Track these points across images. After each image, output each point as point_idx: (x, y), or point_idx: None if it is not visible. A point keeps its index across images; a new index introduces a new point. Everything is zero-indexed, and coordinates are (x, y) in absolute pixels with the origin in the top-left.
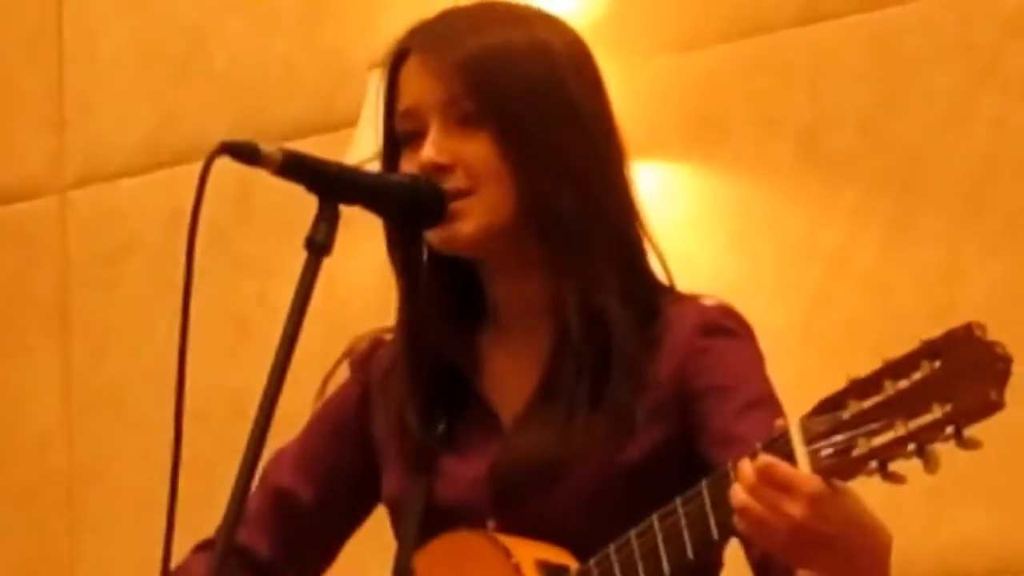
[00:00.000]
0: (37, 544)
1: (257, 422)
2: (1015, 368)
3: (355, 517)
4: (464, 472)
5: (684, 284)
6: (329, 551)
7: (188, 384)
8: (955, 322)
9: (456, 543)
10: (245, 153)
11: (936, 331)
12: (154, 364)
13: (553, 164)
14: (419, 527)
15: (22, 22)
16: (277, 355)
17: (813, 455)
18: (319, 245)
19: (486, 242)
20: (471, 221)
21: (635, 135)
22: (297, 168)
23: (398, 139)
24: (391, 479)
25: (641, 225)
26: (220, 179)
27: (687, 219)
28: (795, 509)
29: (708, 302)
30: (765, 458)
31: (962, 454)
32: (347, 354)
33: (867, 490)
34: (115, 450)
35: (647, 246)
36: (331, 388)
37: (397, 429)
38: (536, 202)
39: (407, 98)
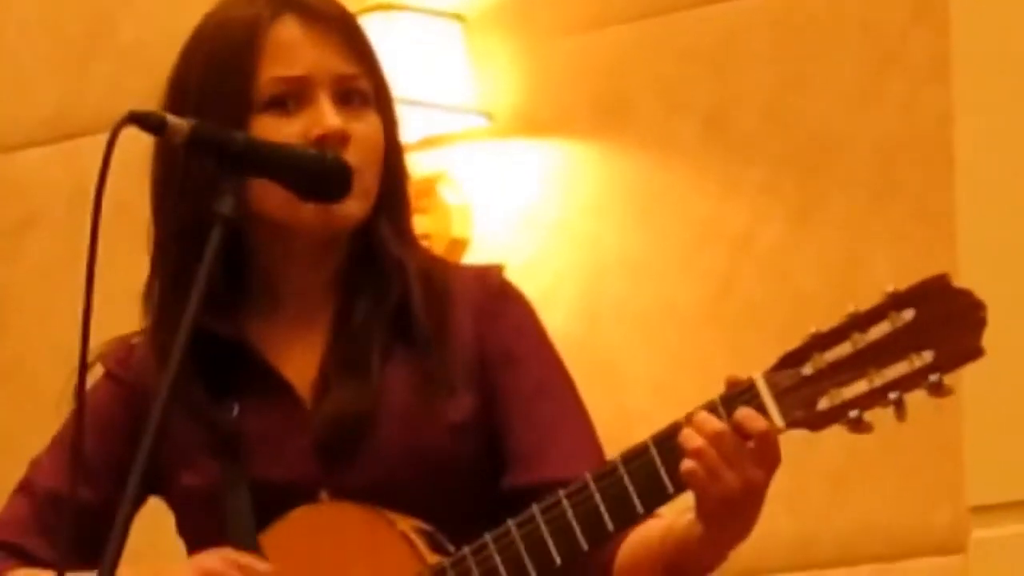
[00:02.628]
0: None
1: (158, 400)
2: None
3: (134, 510)
4: (282, 448)
5: (590, 263)
6: None
7: (90, 358)
8: (857, 305)
9: (316, 517)
10: (152, 124)
11: (837, 314)
12: (57, 338)
13: (398, 144)
14: (249, 510)
15: None
16: (180, 328)
17: (784, 408)
18: (225, 217)
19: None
20: (357, 202)
21: (541, 115)
22: (205, 140)
23: (251, 100)
24: (194, 470)
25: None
26: (127, 151)
27: (593, 199)
28: (759, 471)
29: (485, 265)
30: (746, 410)
31: (865, 439)
32: (99, 357)
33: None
34: (17, 423)
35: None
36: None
37: (190, 419)
38: (388, 184)
39: (297, 66)
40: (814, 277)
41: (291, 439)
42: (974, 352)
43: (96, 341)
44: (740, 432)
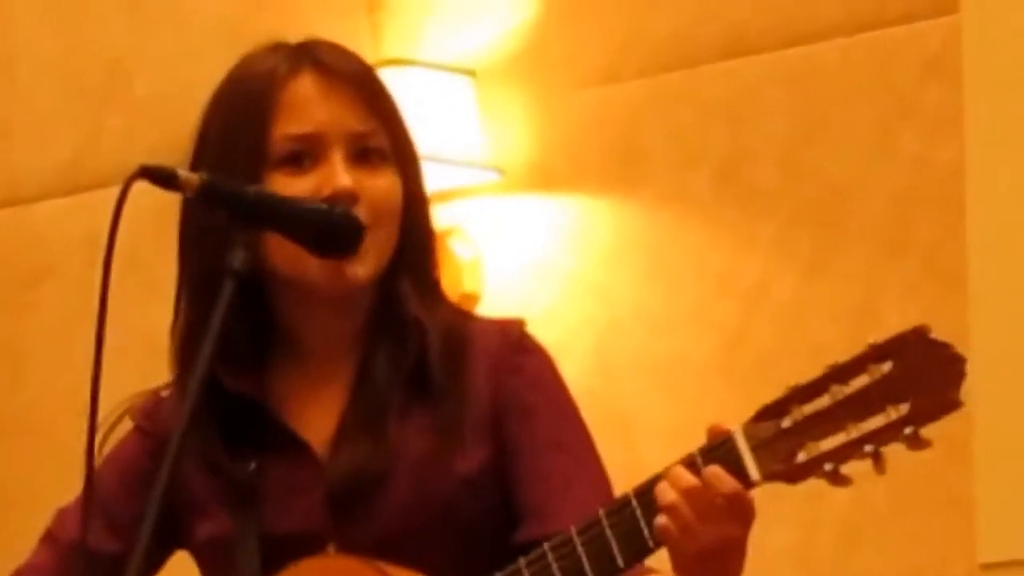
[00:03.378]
0: None
1: (169, 452)
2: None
3: (158, 564)
4: (295, 503)
5: (604, 316)
6: None
7: (102, 409)
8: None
9: (317, 570)
10: (163, 177)
11: None
12: (71, 388)
13: (421, 197)
14: (257, 562)
15: None
16: (192, 381)
17: (761, 461)
18: (235, 270)
19: (369, 284)
20: (367, 263)
21: (552, 170)
22: (215, 193)
23: (265, 156)
24: (210, 522)
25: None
26: (139, 204)
27: (607, 252)
28: (735, 526)
29: (506, 319)
30: (715, 469)
31: (876, 494)
32: (127, 410)
33: (781, 528)
34: (31, 473)
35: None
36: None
37: (207, 472)
38: (409, 239)
39: (308, 123)
40: (827, 329)
41: (304, 494)
42: (950, 405)
43: (109, 392)
44: (710, 489)
